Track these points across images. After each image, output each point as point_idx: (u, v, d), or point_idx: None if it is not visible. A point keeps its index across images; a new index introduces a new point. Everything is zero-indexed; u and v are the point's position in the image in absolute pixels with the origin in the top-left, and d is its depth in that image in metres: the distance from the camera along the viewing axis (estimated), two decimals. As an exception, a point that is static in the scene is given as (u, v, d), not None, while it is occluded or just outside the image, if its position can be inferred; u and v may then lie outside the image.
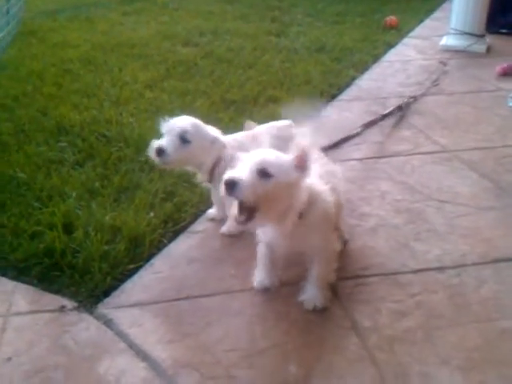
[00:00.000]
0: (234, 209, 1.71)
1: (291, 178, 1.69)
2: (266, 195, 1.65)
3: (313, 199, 1.81)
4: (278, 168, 1.67)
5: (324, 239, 1.89)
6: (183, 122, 2.18)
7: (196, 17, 6.80)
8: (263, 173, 1.65)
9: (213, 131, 2.28)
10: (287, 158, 1.72)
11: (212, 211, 2.51)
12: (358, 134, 3.33)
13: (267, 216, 1.73)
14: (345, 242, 2.27)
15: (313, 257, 1.93)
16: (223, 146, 2.27)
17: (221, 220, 2.45)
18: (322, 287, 1.95)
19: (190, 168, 2.37)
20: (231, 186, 1.62)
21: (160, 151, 2.13)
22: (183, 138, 2.15)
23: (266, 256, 2.01)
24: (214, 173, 2.28)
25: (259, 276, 2.05)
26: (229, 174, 1.65)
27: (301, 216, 1.78)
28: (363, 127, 3.42)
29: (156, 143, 2.15)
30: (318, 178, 1.91)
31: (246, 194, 1.62)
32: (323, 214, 1.85)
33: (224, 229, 2.38)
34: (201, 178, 2.36)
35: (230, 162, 2.03)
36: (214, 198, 2.46)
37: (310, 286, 1.95)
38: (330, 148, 3.02)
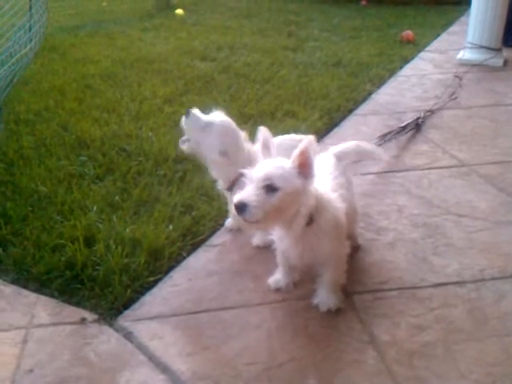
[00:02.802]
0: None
1: (297, 186, 1.73)
2: (274, 208, 1.70)
3: (322, 206, 1.84)
4: (283, 179, 1.71)
5: (334, 245, 1.92)
6: (216, 117, 2.28)
7: (213, 32, 6.88)
8: (269, 188, 1.69)
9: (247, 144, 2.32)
10: (290, 165, 1.74)
11: (230, 221, 2.54)
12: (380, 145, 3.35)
13: (274, 224, 1.81)
14: (357, 248, 2.31)
15: (324, 262, 1.96)
16: (235, 162, 2.25)
17: (238, 230, 2.48)
18: (335, 289, 2.00)
19: (213, 174, 2.40)
20: (241, 208, 1.68)
21: (188, 113, 2.27)
22: (206, 127, 2.24)
23: (284, 260, 2.06)
24: (234, 182, 2.31)
25: (276, 275, 2.12)
26: (238, 197, 1.70)
27: (310, 222, 1.82)
28: (380, 139, 3.43)
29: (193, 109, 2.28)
30: (329, 189, 1.95)
31: (255, 214, 1.68)
32: (333, 220, 1.88)
33: (256, 241, 2.40)
34: (221, 185, 2.39)
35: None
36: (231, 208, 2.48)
37: (322, 289, 2.00)
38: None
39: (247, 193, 1.70)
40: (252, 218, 1.69)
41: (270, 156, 1.82)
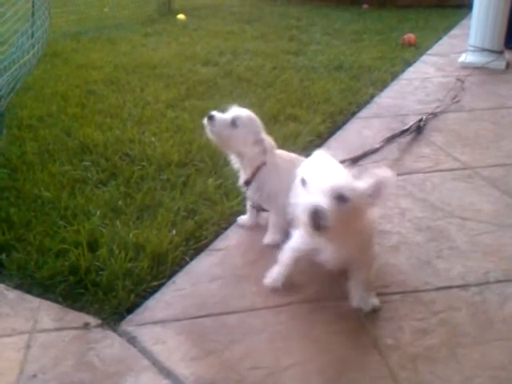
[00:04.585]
0: (303, 224, 1.76)
1: (364, 203, 1.77)
2: (341, 219, 1.70)
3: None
4: (353, 193, 1.72)
5: (370, 246, 1.99)
6: (242, 110, 2.37)
7: (215, 37, 6.90)
8: (341, 197, 1.70)
9: (264, 135, 2.38)
10: (362, 184, 1.77)
11: (243, 217, 2.56)
12: (379, 149, 3.35)
13: (337, 235, 1.80)
14: None
15: (358, 264, 1.98)
16: (267, 150, 2.34)
17: (250, 227, 2.53)
18: (369, 290, 2.03)
19: (231, 153, 2.45)
20: (316, 214, 1.67)
21: (211, 118, 2.33)
22: (234, 121, 2.31)
23: (290, 265, 2.07)
24: (256, 174, 2.37)
25: (274, 274, 2.13)
26: (312, 203, 1.69)
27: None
28: (385, 142, 3.44)
29: (213, 112, 2.34)
30: None
31: (329, 221, 1.68)
32: (371, 223, 1.94)
33: (267, 240, 2.44)
34: (241, 177, 2.44)
35: (273, 170, 2.33)
36: (248, 204, 2.53)
37: (358, 290, 2.01)
38: (352, 163, 3.02)
39: (320, 199, 1.69)
40: (325, 223, 1.68)
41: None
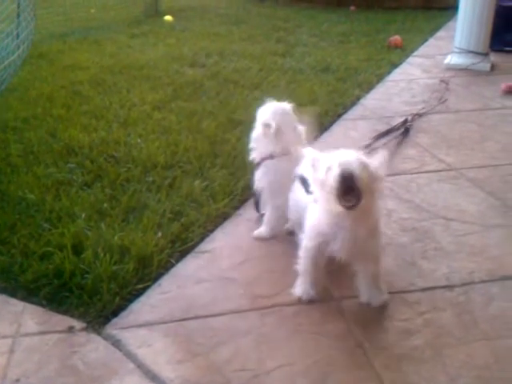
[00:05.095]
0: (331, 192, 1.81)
1: (381, 176, 1.85)
2: (368, 185, 1.79)
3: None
4: (371, 165, 1.83)
5: (379, 238, 2.01)
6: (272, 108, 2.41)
7: (202, 38, 6.89)
8: (366, 167, 1.80)
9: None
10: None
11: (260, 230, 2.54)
12: (368, 146, 3.37)
13: (367, 206, 1.86)
14: None
15: (369, 256, 1.99)
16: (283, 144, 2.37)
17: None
18: (379, 284, 2.03)
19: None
20: (350, 176, 1.75)
21: None
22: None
23: (312, 265, 2.04)
24: (260, 163, 2.42)
25: (303, 286, 2.08)
26: (342, 163, 1.77)
27: None
28: (374, 139, 3.47)
29: None
30: None
31: (359, 181, 1.76)
32: (379, 214, 2.00)
33: (256, 232, 2.48)
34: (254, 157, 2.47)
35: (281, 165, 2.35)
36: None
37: (368, 285, 2.03)
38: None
39: (352, 163, 1.78)
40: (358, 184, 1.76)
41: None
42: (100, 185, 2.90)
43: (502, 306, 2.02)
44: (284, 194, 2.31)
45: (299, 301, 2.06)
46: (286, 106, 2.43)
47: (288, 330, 1.94)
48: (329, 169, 1.80)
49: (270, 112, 2.37)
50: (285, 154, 2.36)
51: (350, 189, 1.76)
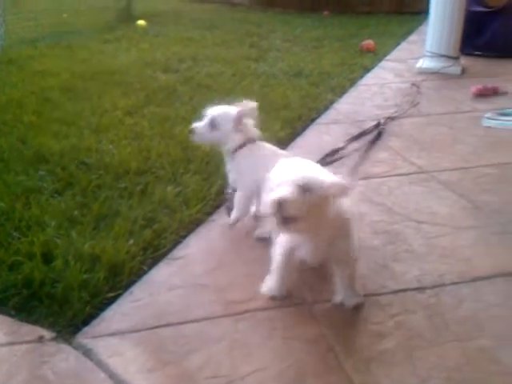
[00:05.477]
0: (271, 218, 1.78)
1: (327, 192, 1.77)
2: (307, 209, 1.73)
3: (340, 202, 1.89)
4: (316, 183, 1.75)
5: (349, 242, 1.97)
6: (216, 110, 2.54)
7: (176, 43, 6.87)
8: (306, 188, 1.73)
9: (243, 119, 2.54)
10: (326, 173, 1.81)
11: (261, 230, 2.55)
12: (342, 148, 3.39)
13: (306, 227, 1.81)
14: None
15: (341, 259, 1.99)
16: (249, 132, 2.52)
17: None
18: (354, 285, 2.03)
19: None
20: (279, 205, 1.71)
21: (191, 132, 2.55)
22: (212, 124, 2.50)
23: (283, 264, 2.04)
24: (233, 156, 2.51)
25: (269, 283, 2.10)
26: (275, 194, 1.73)
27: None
28: (348, 142, 3.49)
29: (193, 124, 2.54)
30: None
31: (292, 212, 1.72)
32: (350, 216, 1.95)
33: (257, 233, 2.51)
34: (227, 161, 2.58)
35: (249, 152, 2.47)
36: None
37: (343, 286, 2.02)
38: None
39: (284, 190, 1.72)
40: (290, 213, 1.71)
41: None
42: (71, 192, 2.86)
43: (473, 307, 2.04)
44: (253, 178, 2.37)
45: (267, 297, 2.09)
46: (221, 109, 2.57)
47: (261, 335, 1.94)
48: (269, 191, 1.80)
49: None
50: (250, 143, 2.51)
51: (284, 218, 1.74)
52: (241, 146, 2.50)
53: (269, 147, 2.57)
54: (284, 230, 1.82)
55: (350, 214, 1.97)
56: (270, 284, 2.11)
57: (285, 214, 1.73)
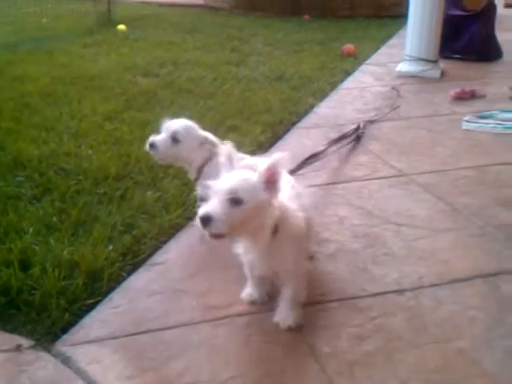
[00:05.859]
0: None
1: (262, 199, 1.72)
2: (238, 221, 1.68)
3: (286, 215, 1.84)
4: (248, 192, 1.69)
5: (297, 256, 1.92)
6: (177, 123, 2.41)
7: (156, 47, 6.86)
8: (235, 201, 1.67)
9: (203, 132, 2.47)
10: (256, 178, 1.73)
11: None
12: (323, 152, 3.38)
13: (239, 237, 1.81)
14: (310, 258, 2.33)
15: (286, 276, 1.95)
16: (213, 145, 2.41)
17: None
18: (296, 307, 1.98)
19: (179, 164, 2.57)
20: (206, 221, 1.66)
21: (152, 145, 2.40)
22: (174, 138, 2.37)
23: (250, 274, 2.05)
24: (202, 171, 2.45)
25: (247, 289, 2.10)
26: (203, 210, 1.68)
27: (275, 232, 1.81)
28: (328, 145, 3.48)
29: (151, 138, 2.40)
30: (288, 198, 1.94)
31: (220, 227, 1.66)
32: (296, 229, 1.88)
33: None
34: (190, 175, 2.53)
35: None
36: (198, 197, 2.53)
37: (283, 306, 1.98)
38: (295, 170, 3.03)
39: (212, 205, 1.68)
40: (217, 230, 1.67)
41: (232, 169, 1.82)
42: (49, 198, 2.83)
43: (451, 309, 2.06)
44: None
45: (246, 303, 2.09)
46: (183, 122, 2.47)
47: (241, 340, 1.93)
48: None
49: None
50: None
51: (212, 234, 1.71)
52: (207, 161, 2.43)
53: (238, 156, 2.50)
54: (217, 243, 1.75)
55: (299, 226, 1.90)
56: (249, 290, 2.11)
57: (212, 231, 1.68)
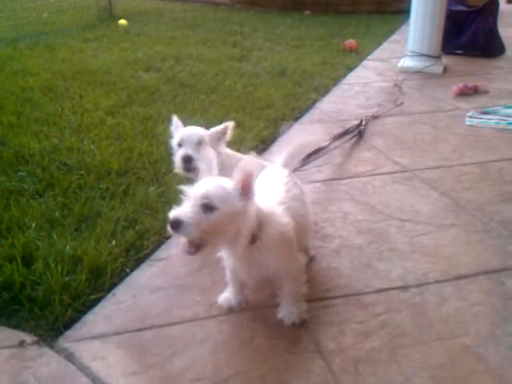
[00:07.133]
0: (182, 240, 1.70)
1: (236, 206, 1.69)
2: (211, 228, 1.65)
3: (265, 222, 1.79)
4: (221, 199, 1.66)
5: (285, 260, 1.88)
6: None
7: (158, 42, 6.84)
8: (207, 207, 1.65)
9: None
10: (230, 186, 1.70)
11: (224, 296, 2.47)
12: (326, 146, 3.36)
13: (215, 245, 1.76)
14: (310, 258, 2.31)
15: (280, 277, 1.93)
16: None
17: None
18: (297, 302, 1.97)
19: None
20: (176, 225, 1.63)
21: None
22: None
23: (234, 277, 2.02)
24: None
25: (226, 294, 2.07)
26: (173, 213, 1.65)
27: (253, 240, 1.78)
28: (332, 140, 3.46)
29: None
30: (276, 202, 1.91)
31: (191, 232, 1.63)
32: (277, 236, 1.83)
33: None
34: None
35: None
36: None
37: (284, 303, 1.98)
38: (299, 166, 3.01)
39: (183, 210, 1.65)
40: (186, 235, 1.65)
41: (210, 174, 1.79)
42: (52, 193, 2.82)
43: (456, 305, 2.05)
44: None
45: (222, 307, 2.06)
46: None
47: (245, 336, 1.92)
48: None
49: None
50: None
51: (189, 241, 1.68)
52: None
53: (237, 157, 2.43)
54: (193, 254, 1.71)
55: (282, 233, 1.84)
56: (227, 295, 2.07)
57: (183, 235, 1.65)
